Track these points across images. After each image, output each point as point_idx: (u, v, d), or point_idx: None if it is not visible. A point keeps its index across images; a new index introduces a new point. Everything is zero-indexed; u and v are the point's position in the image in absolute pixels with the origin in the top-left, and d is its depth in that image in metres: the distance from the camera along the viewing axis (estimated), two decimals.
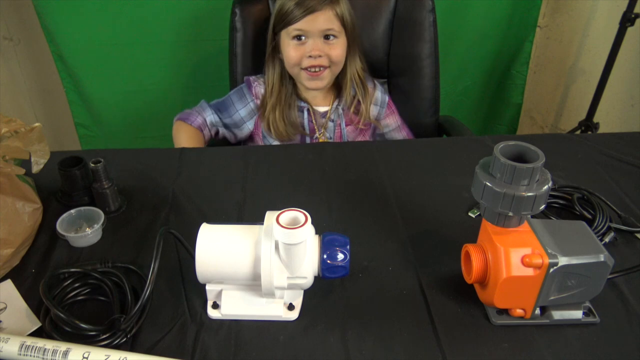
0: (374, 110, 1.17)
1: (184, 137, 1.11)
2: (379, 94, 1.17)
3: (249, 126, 1.14)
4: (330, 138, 1.15)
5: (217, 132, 1.16)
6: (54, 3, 1.38)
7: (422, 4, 1.20)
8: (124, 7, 1.41)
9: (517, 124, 1.94)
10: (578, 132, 1.70)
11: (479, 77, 1.79)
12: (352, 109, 1.14)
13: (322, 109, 1.14)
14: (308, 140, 1.15)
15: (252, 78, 1.15)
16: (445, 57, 1.27)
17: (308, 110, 1.13)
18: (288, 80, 1.12)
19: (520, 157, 0.54)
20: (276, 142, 1.13)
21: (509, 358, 0.56)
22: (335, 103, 1.14)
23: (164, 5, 1.43)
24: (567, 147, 0.96)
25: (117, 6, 1.41)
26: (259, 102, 1.12)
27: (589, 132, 1.66)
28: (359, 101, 1.14)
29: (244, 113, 1.13)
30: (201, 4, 1.45)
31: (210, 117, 1.13)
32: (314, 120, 1.14)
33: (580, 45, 1.75)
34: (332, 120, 1.14)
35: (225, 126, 1.15)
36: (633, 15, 1.46)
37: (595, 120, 1.67)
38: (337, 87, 1.15)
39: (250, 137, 1.17)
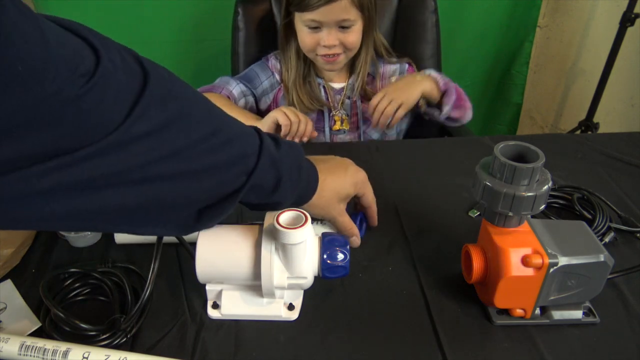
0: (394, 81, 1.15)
1: (217, 104, 1.11)
2: (398, 66, 1.17)
3: (268, 99, 1.15)
4: (348, 115, 1.15)
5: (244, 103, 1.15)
6: (54, 3, 1.38)
7: (424, 5, 1.21)
8: (124, 7, 1.41)
9: (517, 124, 1.94)
10: (578, 132, 1.70)
11: (479, 77, 1.79)
12: (364, 86, 1.13)
13: (337, 85, 1.15)
14: (327, 116, 1.14)
15: (267, 56, 1.16)
16: (445, 57, 1.26)
17: (324, 87, 1.14)
18: (304, 57, 1.11)
19: (520, 157, 0.54)
20: None
21: (509, 358, 0.56)
22: (351, 80, 1.14)
23: (165, 5, 1.43)
24: (567, 147, 0.96)
25: (117, 6, 1.41)
26: (277, 76, 1.13)
27: (589, 132, 1.66)
28: (373, 77, 1.14)
29: (267, 84, 1.14)
30: (203, 4, 1.45)
31: (236, 88, 1.11)
32: (330, 97, 1.14)
33: (580, 45, 1.75)
34: (349, 98, 1.14)
35: (254, 95, 1.14)
36: (633, 15, 1.46)
37: (595, 120, 1.67)
38: (352, 63, 1.14)
39: (267, 110, 1.16)
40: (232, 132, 0.48)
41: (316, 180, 0.60)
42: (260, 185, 0.51)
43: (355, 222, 0.70)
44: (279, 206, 0.56)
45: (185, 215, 0.47)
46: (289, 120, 0.93)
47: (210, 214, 0.48)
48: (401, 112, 1.02)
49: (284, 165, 0.53)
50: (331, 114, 1.15)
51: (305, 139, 0.96)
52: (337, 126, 1.15)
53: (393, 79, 1.15)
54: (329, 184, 0.61)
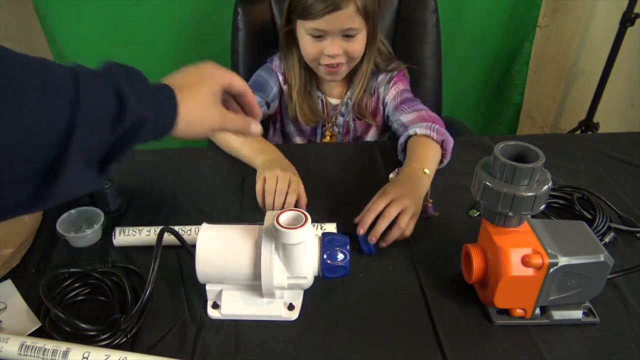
0: (382, 93, 1.09)
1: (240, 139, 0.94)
2: (388, 76, 1.08)
3: (276, 104, 1.10)
4: (339, 133, 1.13)
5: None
6: (54, 3, 1.38)
7: (425, 5, 1.20)
8: (124, 7, 1.41)
9: (517, 124, 1.94)
10: (578, 132, 1.70)
11: (479, 77, 1.79)
12: (358, 102, 1.09)
13: (334, 101, 1.12)
14: (319, 130, 1.12)
15: (271, 57, 1.11)
16: (445, 57, 1.26)
17: (322, 101, 1.11)
18: (306, 66, 1.07)
19: (520, 157, 0.54)
20: (292, 128, 1.12)
21: (509, 358, 0.56)
22: (347, 96, 1.10)
23: (164, 5, 1.43)
24: (567, 147, 0.96)
25: (117, 6, 1.41)
26: (281, 78, 1.09)
27: (589, 132, 1.66)
28: (364, 91, 1.09)
29: (276, 89, 1.09)
30: (203, 4, 1.45)
31: None
32: (325, 112, 1.12)
33: (580, 45, 1.75)
34: (342, 115, 1.11)
35: (267, 105, 1.07)
36: (633, 15, 1.46)
37: (595, 120, 1.67)
38: (351, 77, 1.10)
39: (274, 115, 1.13)
40: (17, 62, 0.41)
41: (170, 90, 0.51)
42: (98, 115, 0.42)
43: (362, 242, 0.69)
44: (141, 131, 0.47)
45: (22, 179, 0.39)
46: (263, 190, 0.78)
47: (52, 176, 0.40)
48: (404, 221, 0.71)
49: (116, 77, 0.45)
50: (324, 129, 1.13)
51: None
52: (326, 140, 1.13)
53: (381, 89, 1.08)
54: (191, 93, 0.53)
